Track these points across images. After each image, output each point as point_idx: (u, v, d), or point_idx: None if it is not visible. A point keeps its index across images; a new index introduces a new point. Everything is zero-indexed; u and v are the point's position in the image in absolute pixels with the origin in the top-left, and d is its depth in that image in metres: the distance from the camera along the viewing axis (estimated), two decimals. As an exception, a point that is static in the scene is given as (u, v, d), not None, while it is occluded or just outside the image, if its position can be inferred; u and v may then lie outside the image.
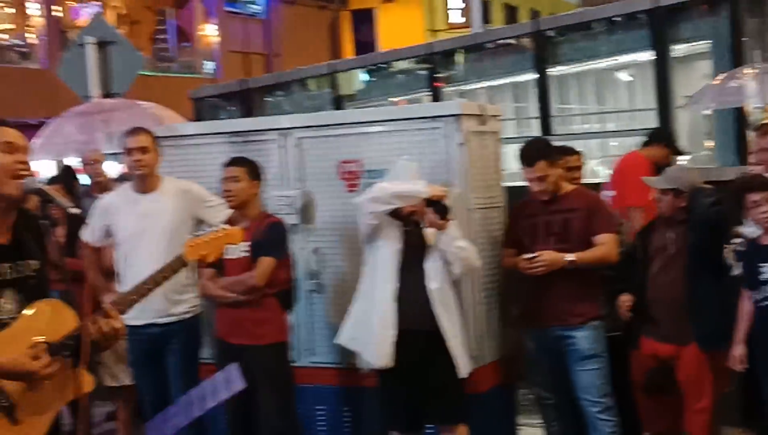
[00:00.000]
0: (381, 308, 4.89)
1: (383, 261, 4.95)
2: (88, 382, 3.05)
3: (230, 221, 5.19)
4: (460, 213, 5.13)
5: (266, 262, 5.05)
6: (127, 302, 3.24)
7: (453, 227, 4.89)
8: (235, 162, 5.25)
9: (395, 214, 4.96)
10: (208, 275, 5.23)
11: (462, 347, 4.92)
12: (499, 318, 5.40)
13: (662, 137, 7.34)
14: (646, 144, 7.12)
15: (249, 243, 5.11)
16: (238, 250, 5.12)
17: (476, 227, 5.22)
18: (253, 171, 5.23)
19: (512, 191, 5.67)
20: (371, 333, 4.92)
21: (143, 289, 3.28)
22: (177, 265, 3.34)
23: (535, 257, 4.98)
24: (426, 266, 4.92)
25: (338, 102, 13.37)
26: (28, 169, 3.06)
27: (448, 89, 12.59)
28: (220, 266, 5.18)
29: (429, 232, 4.95)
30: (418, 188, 4.89)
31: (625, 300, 5.17)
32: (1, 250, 3.02)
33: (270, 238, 5.11)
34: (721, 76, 8.56)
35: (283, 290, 5.19)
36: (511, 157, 5.70)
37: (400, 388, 4.96)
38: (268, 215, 5.26)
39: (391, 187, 4.94)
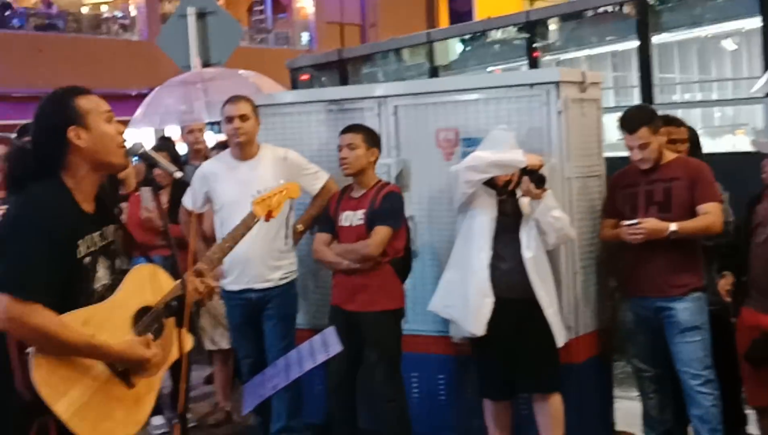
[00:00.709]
0: (477, 277, 4.87)
1: (478, 229, 4.92)
2: (188, 342, 3.13)
3: (346, 189, 5.27)
4: (559, 182, 5.07)
5: (382, 232, 5.06)
6: (213, 261, 3.44)
7: (549, 197, 4.83)
8: (351, 129, 5.25)
9: (490, 182, 4.93)
10: (322, 240, 5.28)
11: (558, 317, 4.88)
12: (597, 289, 5.33)
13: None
14: None
15: (365, 211, 5.14)
16: (354, 217, 5.16)
17: (575, 196, 5.15)
18: (371, 138, 5.23)
19: (611, 162, 5.57)
20: (466, 301, 4.91)
21: (225, 247, 3.52)
22: (250, 222, 3.61)
23: (636, 224, 4.88)
24: (521, 235, 4.88)
25: (434, 72, 13.31)
26: (123, 133, 3.15)
27: (545, 58, 12.41)
28: (334, 232, 5.23)
29: (524, 201, 4.90)
30: (516, 157, 4.84)
31: (725, 284, 5.03)
32: (92, 220, 3.09)
33: (387, 207, 5.11)
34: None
35: (398, 258, 5.20)
36: (610, 127, 5.59)
37: (493, 357, 4.96)
38: (385, 184, 5.26)
39: (487, 156, 4.90)
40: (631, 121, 5.02)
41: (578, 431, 5.11)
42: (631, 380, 5.62)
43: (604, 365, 5.45)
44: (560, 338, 4.85)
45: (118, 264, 3.16)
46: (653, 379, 5.17)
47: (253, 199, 3.72)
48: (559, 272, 5.10)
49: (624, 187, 5.16)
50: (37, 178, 3.03)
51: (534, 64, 12.22)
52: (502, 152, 4.89)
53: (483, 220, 4.92)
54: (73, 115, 3.03)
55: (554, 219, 4.82)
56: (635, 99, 11.21)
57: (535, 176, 4.80)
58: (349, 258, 5.13)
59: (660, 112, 5.31)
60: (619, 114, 5.22)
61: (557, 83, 5.08)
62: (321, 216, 5.42)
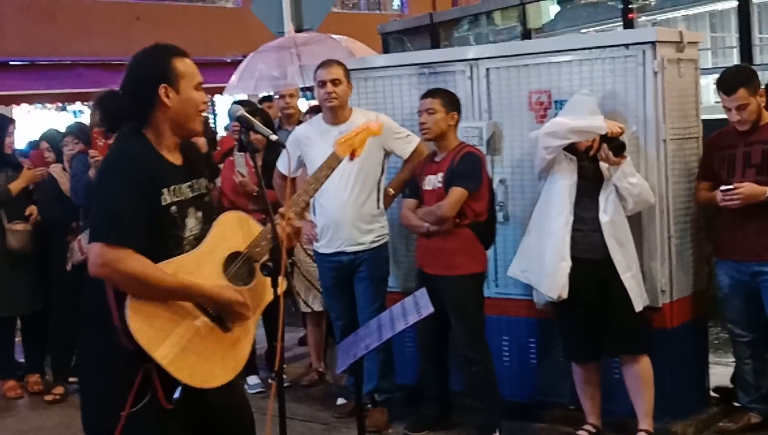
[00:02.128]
0: (554, 240, 4.85)
1: (557, 194, 4.90)
2: (282, 286, 3.18)
3: (432, 154, 5.28)
4: (653, 144, 4.99)
5: (456, 193, 5.07)
6: (298, 203, 3.47)
7: (627, 164, 4.79)
8: (431, 93, 5.26)
9: (571, 148, 4.89)
10: (408, 205, 5.32)
11: (635, 281, 4.83)
12: (693, 253, 5.25)
13: None
14: None
15: (443, 173, 5.16)
16: (435, 180, 5.18)
17: (670, 158, 5.06)
18: (450, 102, 5.23)
19: (709, 125, 5.45)
20: (542, 265, 4.90)
21: (309, 189, 3.52)
22: (333, 162, 3.54)
23: (732, 189, 4.78)
24: (600, 199, 4.84)
25: (526, 35, 13.13)
26: (207, 103, 3.24)
27: (641, 19, 12.14)
28: (419, 196, 5.27)
29: (604, 166, 4.85)
30: (596, 124, 4.79)
31: None
32: (179, 171, 3.18)
33: (462, 168, 5.12)
34: None
35: (480, 222, 5.19)
36: (707, 89, 5.46)
37: (575, 320, 4.95)
38: (464, 146, 5.26)
39: (568, 122, 4.86)
40: (729, 82, 4.90)
41: (672, 396, 5.08)
42: (727, 346, 5.53)
43: (699, 330, 5.38)
44: (638, 303, 4.81)
45: (209, 216, 3.23)
46: (749, 344, 5.09)
47: (336, 140, 3.63)
48: (653, 236, 5.04)
49: (721, 149, 5.06)
50: (127, 122, 3.16)
51: (629, 25, 11.95)
52: (582, 119, 4.84)
53: (562, 185, 4.89)
54: (167, 74, 3.12)
55: (631, 185, 4.77)
56: (734, 60, 10.91)
57: (615, 144, 4.75)
58: (427, 220, 5.16)
59: (760, 73, 5.17)
60: (717, 75, 5.11)
61: (654, 43, 4.98)
62: (410, 181, 5.45)
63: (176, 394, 3.01)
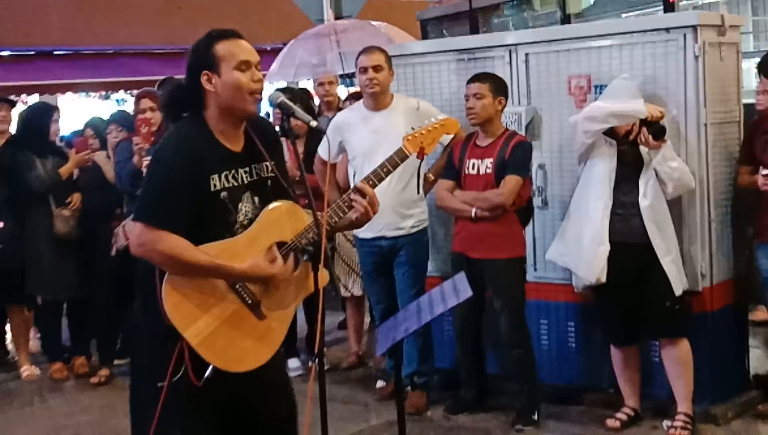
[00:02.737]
0: (593, 225, 4.87)
1: (596, 178, 4.91)
2: (324, 278, 3.21)
3: (471, 136, 5.29)
4: (694, 128, 4.98)
5: (514, 181, 5.09)
6: (371, 179, 3.40)
7: (667, 147, 4.78)
8: (478, 78, 5.26)
9: (611, 132, 4.89)
10: (446, 187, 5.33)
11: (675, 266, 4.82)
12: (733, 237, 5.24)
13: None
14: None
15: (493, 160, 5.18)
16: (482, 165, 5.21)
17: (710, 143, 5.05)
18: (498, 87, 5.23)
19: (750, 109, 5.42)
20: (580, 249, 4.92)
21: (371, 182, 3.41)
22: (398, 158, 3.48)
23: (774, 173, 4.77)
24: (639, 184, 4.84)
25: (566, 20, 13.05)
26: (262, 84, 3.21)
27: (682, 3, 12.02)
28: (458, 179, 5.29)
29: (644, 150, 4.85)
30: (635, 108, 4.78)
31: None
32: (235, 157, 3.22)
33: (518, 157, 5.13)
34: None
35: (522, 207, 5.25)
36: (748, 73, 5.43)
37: (614, 303, 4.96)
38: (513, 133, 5.27)
39: (607, 107, 4.86)
40: (769, 66, 4.88)
41: (712, 380, 5.08)
42: (768, 331, 5.53)
43: (739, 314, 5.37)
44: (678, 287, 4.81)
45: (270, 200, 3.25)
46: (790, 328, 5.07)
47: (405, 135, 3.55)
48: (694, 220, 5.03)
49: (763, 133, 5.03)
50: (186, 111, 3.22)
51: (670, 9, 11.82)
52: (621, 102, 4.84)
53: (601, 169, 4.90)
54: (207, 61, 3.15)
55: (671, 169, 4.77)
56: (777, 44, 10.79)
57: (654, 128, 4.74)
58: (479, 206, 5.17)
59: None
60: (759, 59, 5.08)
61: (695, 27, 4.95)
62: (445, 163, 5.47)
63: (207, 374, 3.08)
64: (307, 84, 9.80)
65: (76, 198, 6.77)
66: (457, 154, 5.33)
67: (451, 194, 5.30)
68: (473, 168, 5.24)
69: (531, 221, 5.44)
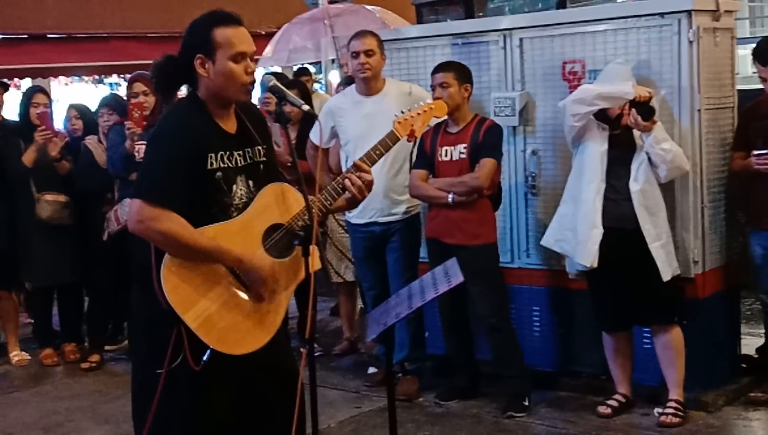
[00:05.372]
0: (586, 208, 4.86)
1: (589, 162, 4.90)
2: (316, 262, 3.18)
3: (440, 125, 5.26)
4: (688, 113, 4.96)
5: (490, 163, 5.09)
6: (366, 161, 3.40)
7: (658, 129, 4.76)
8: (442, 67, 5.26)
9: (604, 116, 4.86)
10: (420, 175, 5.31)
11: (664, 251, 4.81)
12: (726, 223, 5.23)
13: None
14: None
15: (466, 145, 5.16)
16: (455, 151, 5.19)
17: (704, 128, 5.02)
18: (462, 74, 5.23)
19: (746, 94, 5.40)
20: (575, 233, 4.90)
21: (373, 156, 3.43)
22: (390, 141, 3.48)
23: (766, 153, 4.74)
24: (631, 168, 4.83)
25: (561, 4, 13.00)
26: (254, 76, 3.19)
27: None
28: (430, 167, 5.26)
29: (637, 134, 4.83)
30: (622, 89, 4.76)
31: None
32: (231, 139, 3.20)
33: (491, 140, 5.14)
34: None
35: (494, 192, 5.25)
36: (744, 59, 5.41)
37: (606, 289, 4.96)
38: (483, 118, 5.27)
39: (594, 89, 4.85)
40: (764, 52, 4.86)
41: (704, 366, 5.07)
42: (761, 317, 5.51)
43: (732, 300, 5.37)
44: (666, 273, 4.80)
45: (263, 184, 3.23)
46: (782, 315, 5.06)
47: (395, 119, 3.55)
48: (687, 206, 5.02)
49: (757, 118, 5.02)
50: (176, 86, 3.20)
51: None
52: (608, 84, 4.82)
53: (593, 153, 4.89)
54: (204, 45, 3.12)
55: (664, 151, 4.74)
56: (773, 30, 10.76)
57: (643, 108, 4.71)
58: (456, 191, 5.15)
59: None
60: (755, 45, 5.05)
61: (689, 12, 4.93)
62: (419, 152, 5.43)
63: (205, 357, 3.05)
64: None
65: (63, 167, 6.59)
66: (429, 143, 5.30)
67: (425, 182, 5.27)
68: (446, 155, 5.22)
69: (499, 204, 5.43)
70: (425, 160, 5.32)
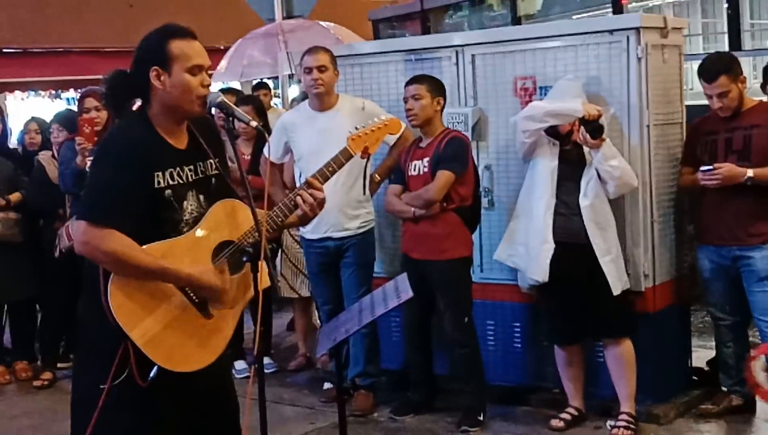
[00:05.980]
0: (537, 224, 4.91)
1: (539, 178, 4.95)
2: (265, 279, 3.17)
3: (417, 140, 5.28)
4: (637, 129, 5.02)
5: (443, 176, 5.09)
6: (319, 178, 3.38)
7: (607, 146, 4.81)
8: (416, 79, 5.28)
9: (554, 132, 4.91)
10: (393, 191, 5.34)
11: (614, 265, 4.86)
12: (676, 237, 5.29)
13: None
14: None
15: (429, 158, 5.18)
16: (421, 165, 5.21)
17: (653, 144, 5.09)
18: (435, 87, 5.25)
19: (697, 110, 5.47)
20: (527, 248, 4.94)
21: (326, 173, 3.41)
22: (343, 157, 3.46)
23: (712, 169, 4.81)
24: (581, 184, 4.87)
25: (517, 22, 13.12)
26: (209, 89, 3.16)
27: (632, 5, 12.14)
28: (404, 182, 5.29)
29: (587, 150, 4.88)
30: (572, 106, 4.82)
31: None
32: (180, 154, 3.17)
33: (449, 152, 5.14)
34: None
35: (466, 207, 5.23)
36: (696, 75, 5.48)
37: (557, 303, 5.00)
38: (450, 131, 5.29)
39: (544, 106, 4.90)
40: (709, 70, 4.93)
41: (655, 379, 5.12)
42: (711, 330, 5.57)
43: (682, 314, 5.43)
44: (616, 287, 4.85)
45: (215, 199, 3.20)
46: (730, 327, 5.13)
47: (349, 135, 3.51)
48: (636, 221, 5.07)
49: (704, 134, 5.09)
50: (128, 100, 3.17)
51: (619, 11, 11.96)
52: (559, 102, 4.87)
53: (543, 169, 4.94)
54: (159, 57, 3.09)
55: (612, 168, 4.79)
56: (724, 46, 10.91)
57: (591, 126, 4.77)
58: (414, 205, 5.18)
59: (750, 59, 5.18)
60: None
61: (638, 29, 5.00)
62: (395, 168, 5.47)
63: (151, 374, 3.03)
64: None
65: (14, 198, 6.61)
66: (403, 158, 5.33)
67: (396, 198, 5.30)
68: (414, 169, 5.25)
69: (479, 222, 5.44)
70: (399, 175, 5.35)
